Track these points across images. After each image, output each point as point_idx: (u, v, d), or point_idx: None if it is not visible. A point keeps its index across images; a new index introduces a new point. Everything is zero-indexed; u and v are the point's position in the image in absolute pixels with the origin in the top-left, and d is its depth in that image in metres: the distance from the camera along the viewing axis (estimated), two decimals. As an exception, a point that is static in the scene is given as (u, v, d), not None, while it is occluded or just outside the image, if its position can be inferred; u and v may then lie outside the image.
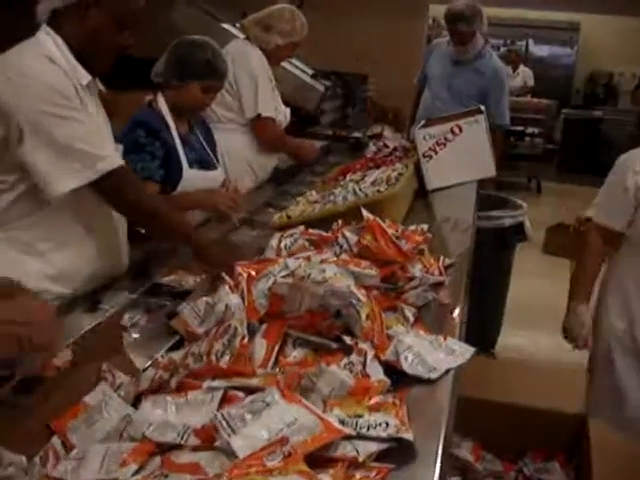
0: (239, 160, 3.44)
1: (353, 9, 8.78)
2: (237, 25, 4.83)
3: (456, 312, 1.71)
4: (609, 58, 11.14)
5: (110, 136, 2.05)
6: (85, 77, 1.88)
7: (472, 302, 1.99)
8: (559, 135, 10.51)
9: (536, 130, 9.49)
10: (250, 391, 1.13)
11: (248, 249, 2.38)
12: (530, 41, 11.57)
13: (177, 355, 1.41)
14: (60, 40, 1.84)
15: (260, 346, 1.27)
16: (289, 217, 2.45)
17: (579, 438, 2.19)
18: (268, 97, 3.49)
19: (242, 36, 3.67)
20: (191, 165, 2.71)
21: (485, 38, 4.61)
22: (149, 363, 1.49)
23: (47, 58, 1.79)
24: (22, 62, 1.80)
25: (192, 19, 4.95)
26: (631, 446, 2.12)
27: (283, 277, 1.37)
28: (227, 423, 1.00)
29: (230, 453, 0.98)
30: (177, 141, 2.69)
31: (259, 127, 3.50)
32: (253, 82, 3.42)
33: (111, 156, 1.86)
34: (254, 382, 1.17)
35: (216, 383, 1.16)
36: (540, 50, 11.66)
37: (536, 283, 5.64)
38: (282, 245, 1.93)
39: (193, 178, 2.69)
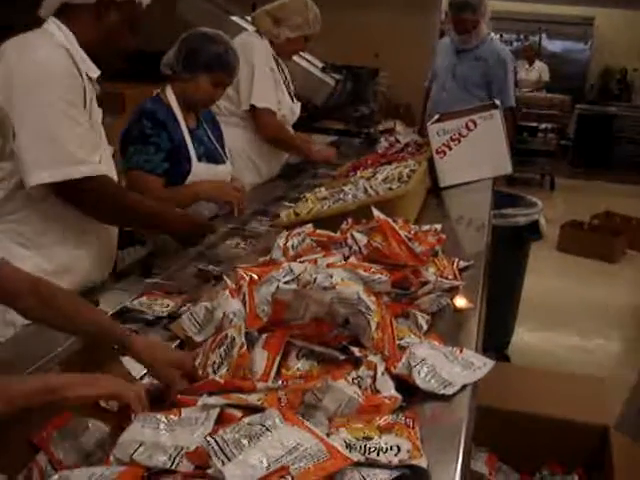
0: (239, 155, 3.35)
1: (365, 2, 8.70)
2: (247, 18, 4.77)
3: (473, 318, 1.62)
4: (623, 53, 10.99)
5: (102, 138, 2.00)
6: (95, 70, 1.90)
7: (488, 301, 1.90)
8: (573, 131, 10.37)
9: (549, 126, 9.37)
10: (249, 409, 1.03)
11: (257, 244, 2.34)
12: (544, 36, 11.42)
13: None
14: (71, 34, 1.84)
15: (260, 357, 1.17)
16: (297, 215, 2.36)
17: (600, 451, 2.08)
18: (266, 88, 3.38)
19: (252, 29, 3.58)
20: (200, 159, 2.65)
21: (488, 28, 4.61)
22: (145, 371, 1.40)
23: (64, 49, 1.80)
24: (38, 51, 1.80)
25: (201, 12, 4.89)
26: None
27: (287, 282, 1.27)
28: (221, 449, 0.90)
29: (224, 483, 0.88)
30: (186, 134, 2.63)
31: (257, 119, 3.39)
32: (250, 73, 3.31)
33: (95, 164, 1.86)
34: (254, 399, 1.07)
35: (212, 400, 1.06)
36: (554, 45, 11.51)
37: (550, 281, 5.54)
38: (289, 244, 1.85)
39: (202, 172, 2.64)
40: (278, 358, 1.18)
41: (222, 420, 1.04)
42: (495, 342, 3.97)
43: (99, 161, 1.88)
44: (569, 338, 4.60)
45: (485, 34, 4.54)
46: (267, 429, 0.93)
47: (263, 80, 3.35)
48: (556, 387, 2.49)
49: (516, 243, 3.86)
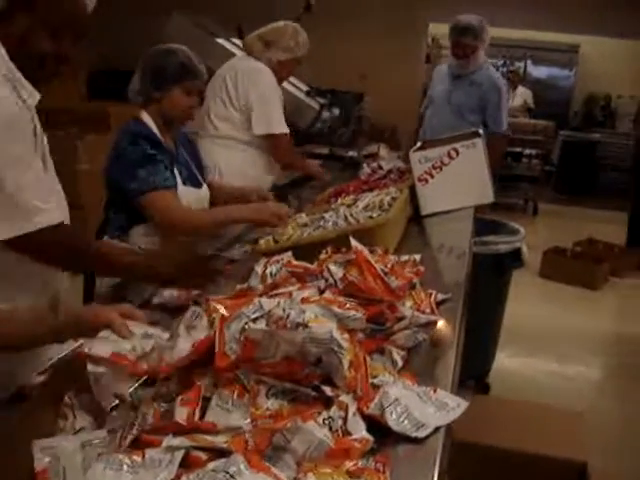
0: (233, 177, 3.36)
1: (352, 26, 8.76)
2: (233, 40, 4.78)
3: (450, 352, 1.60)
4: (608, 81, 11.10)
5: (53, 175, 1.81)
6: (34, 95, 1.67)
7: (468, 330, 1.88)
8: (557, 157, 10.44)
9: (534, 152, 9.43)
10: (215, 452, 1.00)
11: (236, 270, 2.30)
12: (529, 62, 11.52)
13: (149, 392, 1.29)
14: (3, 51, 1.62)
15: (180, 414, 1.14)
16: (276, 241, 2.34)
17: (577, 487, 2.07)
18: (281, 113, 3.48)
19: (239, 52, 3.63)
20: (184, 183, 2.63)
21: (485, 55, 4.69)
22: (116, 402, 1.37)
23: (3, 77, 1.58)
24: None
25: (188, 34, 4.89)
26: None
27: (256, 319, 1.24)
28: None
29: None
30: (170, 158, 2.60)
31: (276, 144, 3.49)
32: (266, 99, 3.41)
33: (51, 210, 1.66)
34: (220, 441, 1.04)
35: (177, 441, 1.03)
36: (539, 71, 11.61)
37: (532, 307, 5.54)
38: (267, 272, 1.82)
39: (187, 196, 2.61)
40: (197, 410, 1.16)
41: (187, 463, 1.00)
42: (475, 370, 3.96)
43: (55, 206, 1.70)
44: (550, 365, 4.60)
45: (482, 61, 4.60)
46: (231, 476, 0.90)
47: (278, 106, 3.46)
48: (535, 421, 2.46)
49: (497, 271, 3.85)
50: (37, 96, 1.69)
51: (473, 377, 3.98)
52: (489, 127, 4.51)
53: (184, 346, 1.26)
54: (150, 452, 1.02)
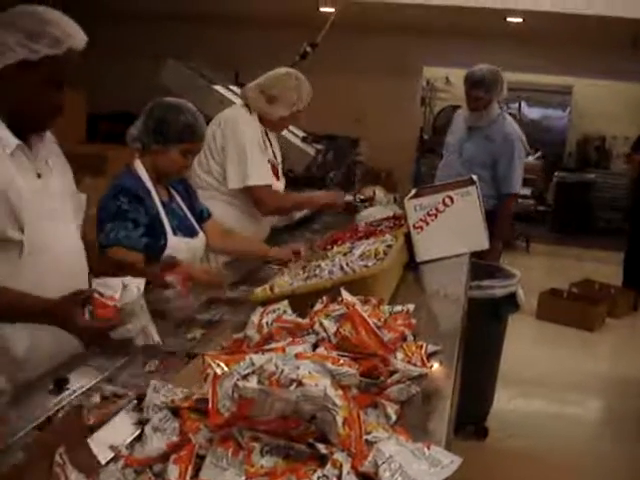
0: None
1: (346, 71, 8.89)
2: (230, 87, 4.84)
3: (445, 402, 1.61)
4: (602, 121, 11.20)
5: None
6: (10, 145, 1.79)
7: (464, 375, 1.89)
8: (552, 197, 10.51)
9: (528, 192, 9.47)
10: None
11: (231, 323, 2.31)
12: (523, 103, 11.64)
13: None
14: None
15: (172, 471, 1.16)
16: (272, 291, 2.35)
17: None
18: (259, 165, 3.34)
19: (237, 100, 3.59)
20: (175, 233, 2.64)
21: (501, 105, 4.57)
22: (112, 456, 1.37)
23: None
24: None
25: (183, 79, 4.95)
26: None
27: (247, 375, 1.26)
28: None
29: None
30: (160, 208, 2.62)
31: (255, 197, 3.36)
32: (240, 151, 3.28)
33: None
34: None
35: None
36: (533, 112, 11.73)
37: (529, 350, 5.55)
38: (263, 322, 1.83)
39: (178, 246, 2.63)
40: (190, 468, 1.17)
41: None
42: (473, 414, 3.95)
43: None
44: (548, 407, 4.60)
45: (496, 114, 4.48)
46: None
47: (255, 158, 3.31)
48: (530, 473, 2.45)
49: (494, 315, 3.87)
50: (12, 145, 1.79)
51: (471, 422, 3.96)
52: (500, 186, 4.46)
53: (157, 445, 1.28)
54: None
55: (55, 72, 1.79)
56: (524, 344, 5.43)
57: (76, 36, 1.81)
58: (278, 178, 3.56)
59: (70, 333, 1.75)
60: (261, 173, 3.35)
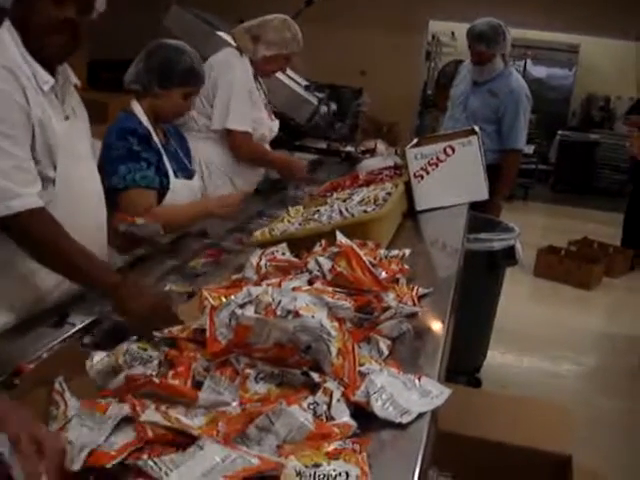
0: (216, 170, 3.37)
1: (352, 22, 8.79)
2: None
3: (436, 343, 1.63)
4: (607, 81, 11.13)
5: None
6: (47, 82, 1.80)
7: (459, 325, 1.91)
8: (554, 156, 10.48)
9: (530, 150, 9.43)
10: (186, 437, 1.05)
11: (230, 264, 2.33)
12: (529, 61, 11.54)
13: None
14: (19, 39, 1.74)
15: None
16: (272, 234, 2.37)
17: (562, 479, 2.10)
18: (242, 110, 3.35)
19: (234, 44, 3.58)
20: (176, 175, 2.65)
21: (505, 60, 4.51)
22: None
23: (5, 70, 1.69)
24: None
25: (187, 25, 4.88)
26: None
27: (244, 304, 1.28)
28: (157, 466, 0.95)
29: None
30: (161, 150, 2.62)
31: (232, 141, 3.38)
32: (227, 94, 3.31)
33: (29, 195, 1.71)
34: (194, 425, 1.08)
35: (154, 417, 1.06)
36: (538, 71, 11.63)
37: (525, 306, 5.59)
38: (262, 263, 1.86)
39: (180, 188, 2.64)
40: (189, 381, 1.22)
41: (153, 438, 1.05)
42: (466, 366, 4.00)
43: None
44: (542, 362, 4.64)
45: (500, 68, 4.44)
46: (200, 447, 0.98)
47: (240, 102, 3.33)
48: (522, 414, 2.50)
49: (491, 268, 3.89)
50: (51, 82, 1.80)
51: (464, 373, 4.01)
52: (503, 141, 4.43)
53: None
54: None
55: None
56: (520, 300, 5.47)
57: None
58: (272, 119, 3.63)
59: (123, 314, 1.71)
60: (242, 119, 3.36)
